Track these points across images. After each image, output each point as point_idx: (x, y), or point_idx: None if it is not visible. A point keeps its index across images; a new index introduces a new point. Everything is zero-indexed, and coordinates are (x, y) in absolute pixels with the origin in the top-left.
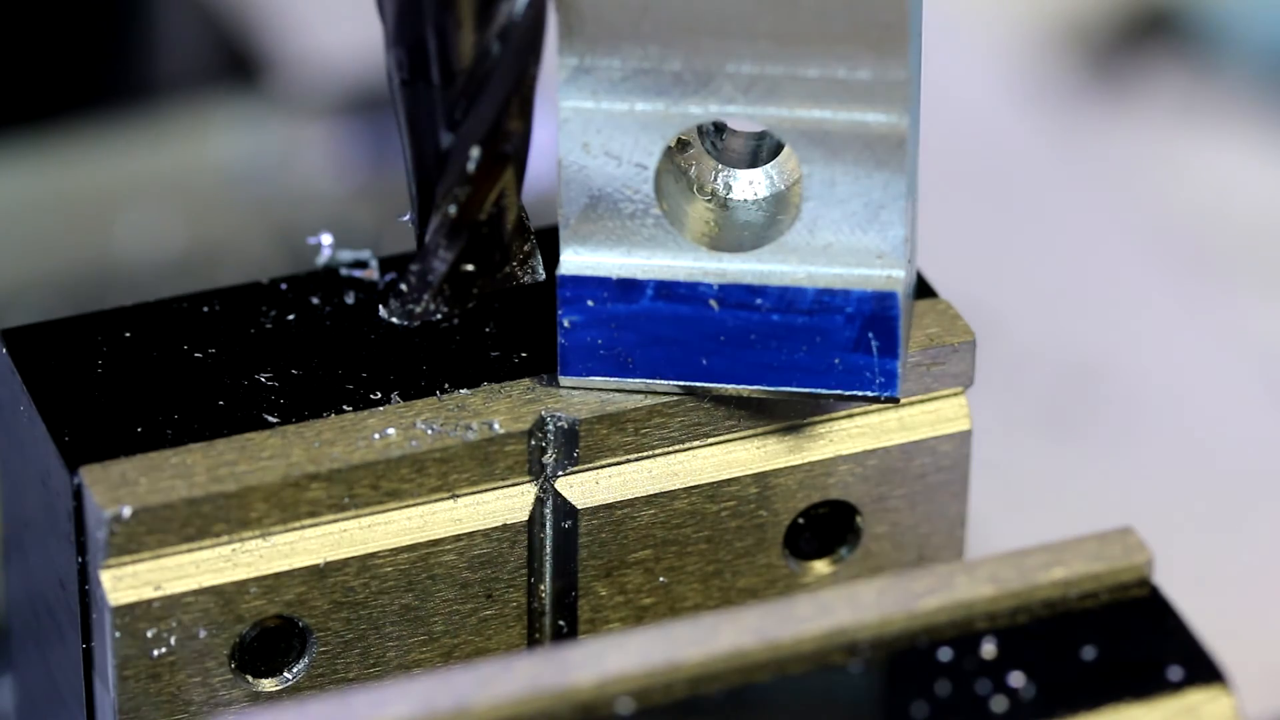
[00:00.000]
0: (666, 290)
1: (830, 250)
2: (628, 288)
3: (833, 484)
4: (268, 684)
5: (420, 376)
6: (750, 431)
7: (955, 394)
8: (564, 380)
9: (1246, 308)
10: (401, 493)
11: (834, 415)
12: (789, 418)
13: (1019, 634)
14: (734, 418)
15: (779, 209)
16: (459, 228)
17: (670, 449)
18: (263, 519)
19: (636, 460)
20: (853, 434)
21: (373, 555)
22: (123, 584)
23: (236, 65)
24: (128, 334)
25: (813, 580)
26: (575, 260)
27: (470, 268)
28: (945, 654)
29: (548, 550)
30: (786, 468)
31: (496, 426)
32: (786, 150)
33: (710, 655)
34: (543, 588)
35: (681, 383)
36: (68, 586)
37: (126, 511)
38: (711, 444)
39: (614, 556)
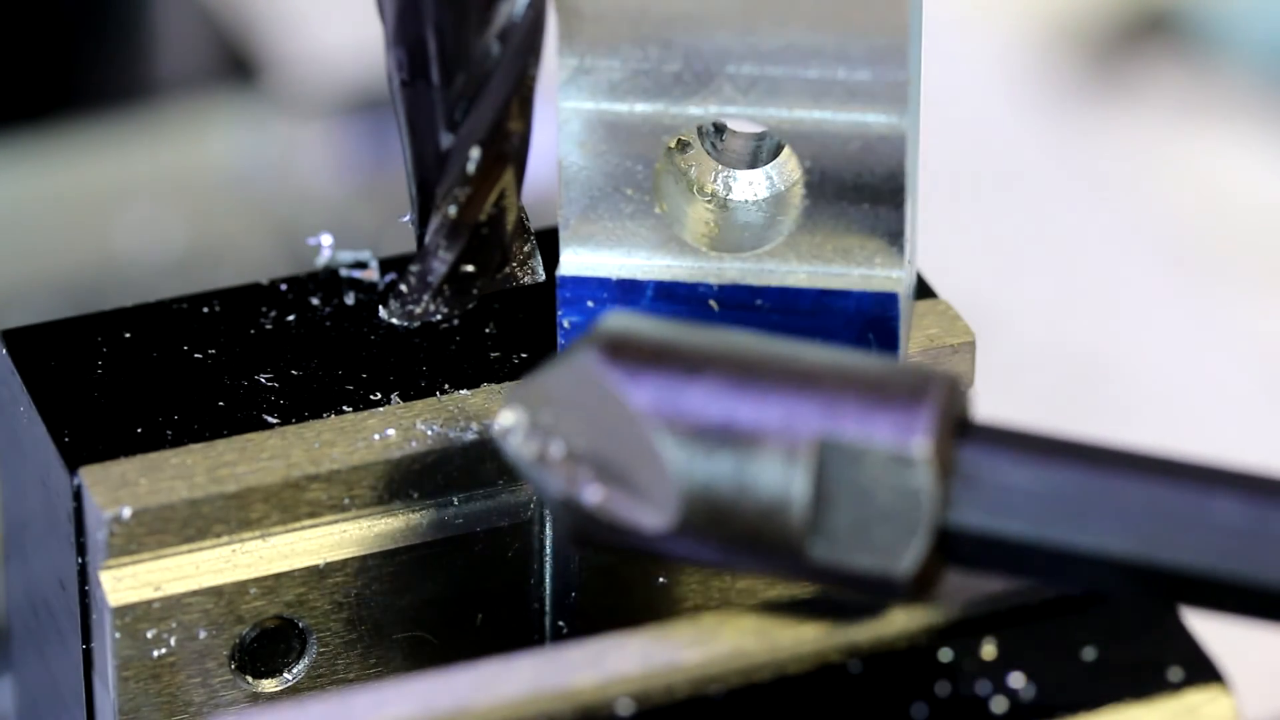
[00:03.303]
0: (666, 291)
1: (830, 251)
2: (628, 288)
3: None
4: (268, 684)
5: (420, 377)
6: None
7: None
8: None
9: (1246, 307)
10: (401, 493)
11: None
12: None
13: (1019, 634)
14: None
15: (779, 209)
16: (459, 228)
17: None
18: (263, 519)
19: None
20: None
21: (373, 555)
22: (123, 584)
23: (236, 65)
24: (128, 334)
25: None
26: (575, 260)
27: (470, 268)
28: (945, 654)
29: (548, 550)
30: None
31: None
32: (786, 150)
33: (710, 655)
34: (543, 588)
35: None
36: (68, 587)
37: (126, 512)
38: None
39: (614, 557)
